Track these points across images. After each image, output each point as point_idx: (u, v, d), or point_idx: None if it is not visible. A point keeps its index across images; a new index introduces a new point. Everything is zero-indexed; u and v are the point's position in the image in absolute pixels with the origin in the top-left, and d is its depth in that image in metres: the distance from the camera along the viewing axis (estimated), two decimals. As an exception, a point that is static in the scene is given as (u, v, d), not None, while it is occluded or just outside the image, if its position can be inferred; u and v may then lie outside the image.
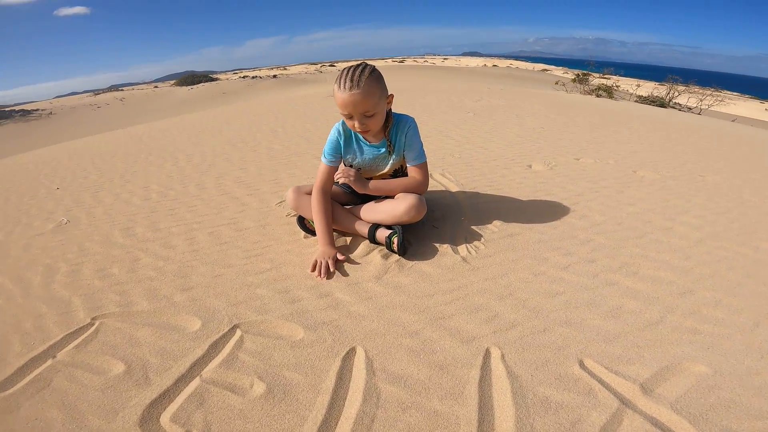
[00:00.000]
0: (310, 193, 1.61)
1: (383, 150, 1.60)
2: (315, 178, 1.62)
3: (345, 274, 1.45)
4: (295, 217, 1.73)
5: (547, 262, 1.50)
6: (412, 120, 1.59)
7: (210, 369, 1.08)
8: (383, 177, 1.66)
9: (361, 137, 1.60)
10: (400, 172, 1.67)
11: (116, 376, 1.08)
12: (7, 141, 12.96)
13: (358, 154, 1.63)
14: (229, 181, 2.54)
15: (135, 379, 1.07)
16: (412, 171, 1.61)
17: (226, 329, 1.22)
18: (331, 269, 1.46)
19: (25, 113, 18.03)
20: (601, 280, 1.41)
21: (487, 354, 1.10)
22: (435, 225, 1.75)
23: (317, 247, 1.56)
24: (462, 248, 1.59)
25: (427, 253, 1.55)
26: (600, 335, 1.16)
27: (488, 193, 2.11)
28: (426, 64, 37.70)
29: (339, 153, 1.62)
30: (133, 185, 2.67)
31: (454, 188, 2.16)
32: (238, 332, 1.21)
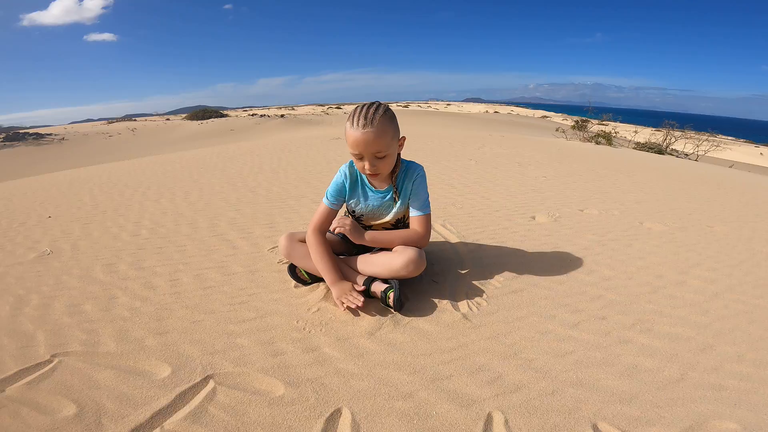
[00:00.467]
0: (303, 241, 1.53)
1: (389, 196, 1.53)
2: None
3: (335, 328, 1.34)
4: (287, 265, 1.63)
5: (554, 320, 1.40)
6: (421, 168, 1.53)
7: (173, 421, 0.98)
8: (385, 226, 1.59)
9: (366, 182, 1.54)
10: (402, 222, 1.60)
11: (65, 418, 0.99)
12: (16, 164, 13.13)
13: (362, 199, 1.56)
14: (223, 222, 2.46)
15: (85, 423, 0.98)
16: (414, 222, 1.52)
17: (198, 379, 1.11)
18: (359, 298, 1.39)
19: (39, 137, 18.37)
20: (614, 337, 1.32)
21: (488, 419, 0.99)
22: (434, 279, 1.65)
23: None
24: (463, 304, 1.48)
25: (425, 309, 1.44)
26: (615, 396, 1.07)
27: (491, 245, 2.02)
28: (430, 109, 38.96)
29: (342, 196, 1.55)
30: (125, 219, 2.61)
31: (455, 240, 2.07)
32: (212, 383, 1.10)
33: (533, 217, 2.49)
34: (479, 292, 1.56)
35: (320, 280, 1.58)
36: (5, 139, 17.55)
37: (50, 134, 19.14)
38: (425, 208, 1.51)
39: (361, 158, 1.38)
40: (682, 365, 1.20)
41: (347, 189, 1.53)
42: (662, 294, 1.61)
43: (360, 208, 1.56)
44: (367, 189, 1.54)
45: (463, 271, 1.72)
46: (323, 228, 1.52)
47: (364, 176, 1.53)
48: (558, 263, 1.83)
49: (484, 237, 2.14)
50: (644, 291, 1.62)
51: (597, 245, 2.08)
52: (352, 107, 1.46)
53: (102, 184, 3.93)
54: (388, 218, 1.55)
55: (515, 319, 1.39)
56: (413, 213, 1.52)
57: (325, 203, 1.53)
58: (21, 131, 19.44)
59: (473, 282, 1.64)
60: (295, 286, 1.60)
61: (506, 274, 1.71)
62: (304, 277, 1.58)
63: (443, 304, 1.46)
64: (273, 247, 2.03)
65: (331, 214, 1.53)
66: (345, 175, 1.53)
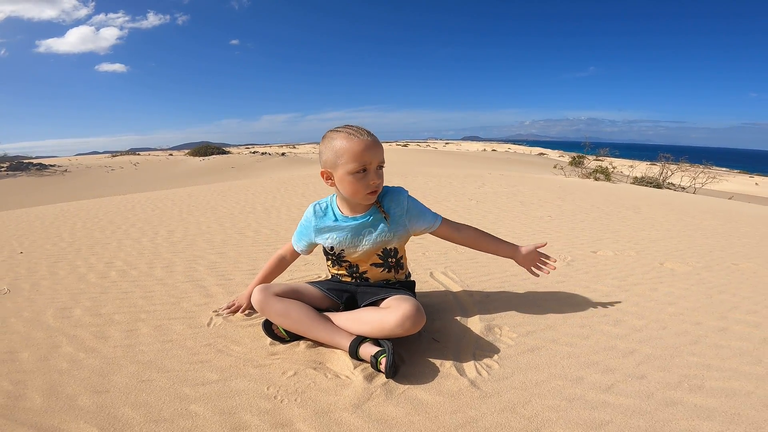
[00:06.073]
0: (279, 294, 1.33)
1: (369, 219, 1.36)
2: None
3: (313, 397, 1.09)
4: (262, 320, 1.40)
5: (582, 383, 1.15)
6: (405, 189, 1.42)
7: None
8: (367, 255, 1.39)
9: (338, 212, 1.39)
10: (390, 254, 1.40)
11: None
12: (15, 194, 13.05)
13: (336, 231, 1.38)
14: (202, 266, 2.22)
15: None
16: (446, 231, 1.45)
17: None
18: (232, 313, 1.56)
19: (42, 167, 18.42)
20: (659, 399, 1.09)
21: None
22: (435, 337, 1.39)
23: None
24: (470, 367, 1.22)
25: (425, 375, 1.18)
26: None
27: (499, 295, 1.77)
28: (428, 148, 39.58)
29: (307, 238, 1.47)
30: (97, 259, 2.39)
31: (457, 289, 1.83)
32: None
33: (544, 262, 2.26)
34: (489, 352, 1.30)
35: (300, 337, 1.35)
36: (9, 168, 17.63)
37: (53, 165, 19.23)
38: (437, 215, 1.45)
39: (364, 172, 1.26)
40: (748, 425, 1.01)
41: (317, 227, 1.41)
42: (705, 344, 1.39)
43: (337, 241, 1.39)
44: (339, 220, 1.38)
45: (469, 327, 1.47)
46: (286, 256, 1.58)
47: (334, 207, 1.41)
48: (578, 314, 1.59)
49: (491, 285, 1.88)
50: (684, 342, 1.40)
51: (619, 290, 1.84)
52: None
53: (86, 219, 3.77)
54: (368, 246, 1.37)
55: (534, 385, 1.14)
56: (435, 225, 1.43)
57: (293, 245, 1.53)
58: (25, 161, 19.53)
59: (482, 339, 1.38)
60: (271, 344, 1.35)
61: (520, 328, 1.46)
62: (281, 335, 1.35)
63: (446, 368, 1.21)
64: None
65: (295, 254, 1.56)
66: (312, 212, 1.43)
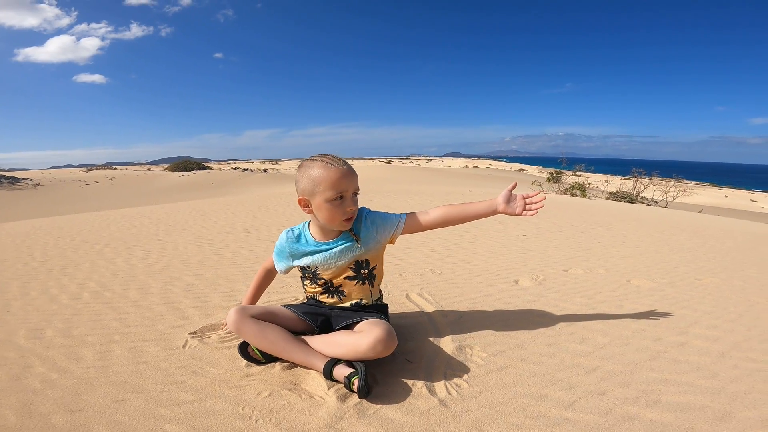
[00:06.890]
0: (255, 317, 1.35)
1: (340, 242, 1.41)
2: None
3: (288, 417, 1.11)
4: (237, 342, 1.42)
5: (546, 400, 1.21)
6: (365, 207, 1.48)
7: None
8: (341, 270, 1.43)
9: (310, 239, 1.43)
10: (362, 265, 1.44)
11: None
12: None
13: (309, 256, 1.43)
14: (178, 288, 2.20)
15: None
16: (417, 221, 1.45)
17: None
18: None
19: (14, 180, 17.77)
20: (617, 415, 1.14)
21: None
22: (408, 358, 1.43)
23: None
24: (440, 387, 1.26)
25: (397, 394, 1.22)
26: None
27: (472, 315, 1.82)
28: (411, 164, 40.02)
29: (286, 263, 1.49)
30: (69, 279, 2.35)
31: (431, 310, 1.87)
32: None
33: (516, 281, 2.32)
34: (459, 372, 1.35)
35: (276, 359, 1.37)
36: (-20, 181, 16.93)
37: (26, 178, 18.62)
38: (400, 215, 1.46)
39: (341, 199, 1.31)
40: (702, 439, 1.06)
41: (291, 252, 1.45)
42: (664, 359, 1.46)
43: (312, 263, 1.43)
44: (312, 245, 1.43)
45: (441, 347, 1.52)
46: (272, 269, 1.60)
47: (307, 233, 1.45)
48: (546, 333, 1.65)
49: (465, 305, 1.94)
50: (644, 357, 1.47)
51: (587, 309, 1.92)
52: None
53: (59, 237, 3.69)
54: (342, 262, 1.41)
55: (501, 403, 1.19)
56: (401, 226, 1.44)
57: (275, 264, 1.54)
58: (-3, 173, 18.81)
59: (453, 359, 1.43)
60: (246, 365, 1.36)
61: (490, 348, 1.51)
62: (257, 356, 1.37)
63: (418, 388, 1.25)
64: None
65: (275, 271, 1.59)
66: (285, 238, 1.46)
